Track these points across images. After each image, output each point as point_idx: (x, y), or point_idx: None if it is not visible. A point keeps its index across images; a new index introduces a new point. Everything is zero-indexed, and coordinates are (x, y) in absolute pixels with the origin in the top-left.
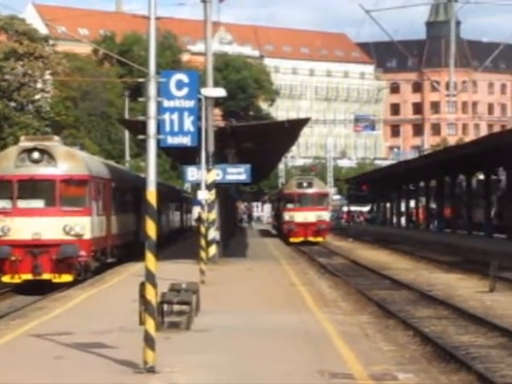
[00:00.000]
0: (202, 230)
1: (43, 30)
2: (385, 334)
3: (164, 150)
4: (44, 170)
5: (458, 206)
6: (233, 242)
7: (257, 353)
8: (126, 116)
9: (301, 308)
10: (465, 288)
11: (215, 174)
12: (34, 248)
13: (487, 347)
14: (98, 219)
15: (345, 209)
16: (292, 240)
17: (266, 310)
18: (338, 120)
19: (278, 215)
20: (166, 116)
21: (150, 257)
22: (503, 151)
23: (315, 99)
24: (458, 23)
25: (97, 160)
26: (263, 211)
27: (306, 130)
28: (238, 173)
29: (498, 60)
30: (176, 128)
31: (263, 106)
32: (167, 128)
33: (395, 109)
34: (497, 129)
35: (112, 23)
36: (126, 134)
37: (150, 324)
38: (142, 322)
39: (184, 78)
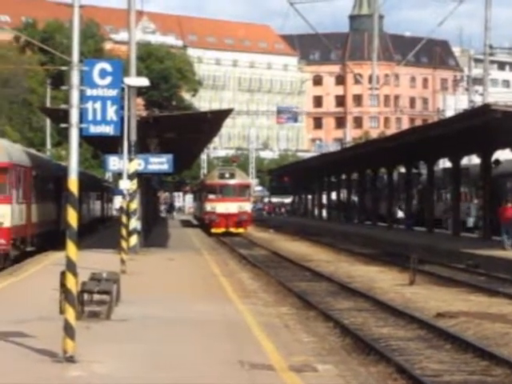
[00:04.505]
0: (124, 219)
1: None
2: (305, 325)
3: (86, 139)
4: None
5: (379, 198)
6: (154, 232)
7: (176, 343)
8: (48, 104)
9: (221, 298)
10: (385, 280)
11: (137, 164)
12: None
13: (406, 339)
14: (18, 207)
15: (266, 200)
16: (214, 231)
17: (186, 300)
18: (261, 111)
19: (199, 206)
20: (89, 105)
21: (70, 245)
22: (424, 145)
23: (238, 90)
24: (380, 17)
25: (17, 148)
26: (185, 201)
27: (228, 121)
28: (160, 163)
29: (420, 54)
30: (99, 117)
31: (186, 96)
32: (90, 117)
33: (318, 101)
34: (418, 122)
35: (34, 10)
36: (48, 122)
37: (70, 313)
38: (62, 311)
39: (107, 66)
